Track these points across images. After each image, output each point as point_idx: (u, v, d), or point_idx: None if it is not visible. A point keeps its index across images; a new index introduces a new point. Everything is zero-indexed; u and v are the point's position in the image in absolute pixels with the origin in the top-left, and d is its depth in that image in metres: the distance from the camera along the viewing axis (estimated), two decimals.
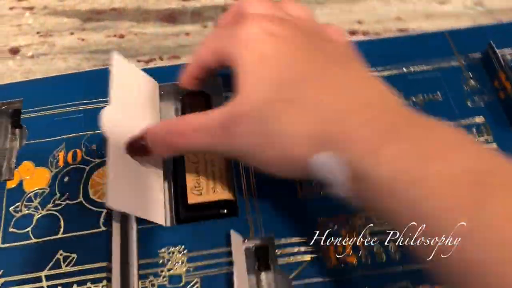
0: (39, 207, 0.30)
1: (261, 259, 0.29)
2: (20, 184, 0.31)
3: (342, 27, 0.43)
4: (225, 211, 0.30)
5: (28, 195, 0.31)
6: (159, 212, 0.30)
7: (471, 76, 0.35)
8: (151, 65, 0.41)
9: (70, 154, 0.32)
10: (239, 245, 0.29)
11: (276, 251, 0.29)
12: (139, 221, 0.29)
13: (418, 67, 0.35)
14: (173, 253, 0.29)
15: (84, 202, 0.30)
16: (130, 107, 0.31)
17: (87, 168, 0.31)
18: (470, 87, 0.34)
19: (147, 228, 0.29)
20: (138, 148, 0.29)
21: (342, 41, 0.27)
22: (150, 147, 0.28)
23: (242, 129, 0.25)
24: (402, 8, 0.44)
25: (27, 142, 0.33)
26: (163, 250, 0.29)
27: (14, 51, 0.43)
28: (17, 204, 0.30)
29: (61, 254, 0.29)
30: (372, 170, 0.21)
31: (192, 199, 0.31)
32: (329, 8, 0.45)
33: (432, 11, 0.44)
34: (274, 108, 0.24)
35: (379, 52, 0.36)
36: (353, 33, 0.43)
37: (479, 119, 0.33)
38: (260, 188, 0.31)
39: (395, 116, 0.22)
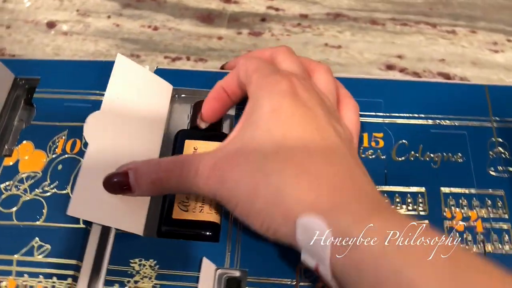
0: (27, 190, 0.30)
1: None
2: (16, 163, 0.31)
3: (380, 59, 0.41)
4: (208, 233, 0.29)
5: (21, 176, 0.31)
6: (137, 221, 0.29)
7: (501, 142, 0.32)
8: (177, 63, 0.41)
9: (69, 143, 0.32)
10: (209, 274, 0.28)
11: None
12: None
13: (445, 121, 0.32)
14: (144, 265, 0.28)
15: (70, 194, 0.30)
16: (125, 113, 0.30)
17: (82, 161, 0.31)
18: (497, 154, 0.31)
19: (125, 235, 0.29)
20: (119, 185, 0.28)
21: (352, 128, 0.29)
22: (132, 186, 0.28)
23: (235, 173, 0.25)
24: (449, 50, 0.41)
25: (32, 122, 0.33)
26: (135, 260, 0.28)
27: (51, 25, 0.43)
28: (9, 182, 0.31)
29: (36, 242, 0.29)
30: (357, 236, 0.21)
31: (177, 214, 0.30)
32: (371, 36, 0.42)
33: (481, 59, 0.41)
34: (274, 160, 0.24)
35: (410, 95, 0.33)
36: (389, 67, 0.40)
37: (498, 192, 0.30)
38: None
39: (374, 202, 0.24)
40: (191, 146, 0.32)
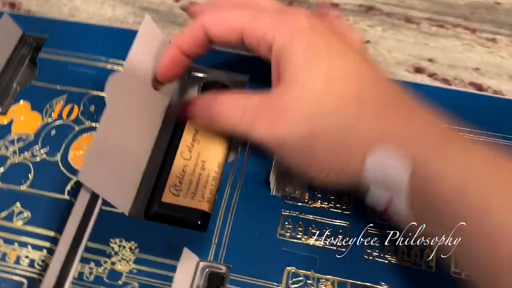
0: (17, 152, 0.29)
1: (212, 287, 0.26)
2: (10, 123, 0.30)
3: (409, 60, 0.38)
4: (197, 221, 0.28)
5: (13, 137, 0.30)
6: (126, 199, 0.27)
7: None
8: None
9: (67, 108, 0.30)
10: (189, 265, 0.26)
11: (229, 286, 0.26)
12: (104, 201, 0.27)
13: (470, 135, 0.30)
14: (124, 247, 0.26)
15: (59, 162, 0.29)
16: (144, 78, 0.28)
17: (77, 128, 0.30)
18: None
19: (110, 212, 0.27)
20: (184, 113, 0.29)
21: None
22: (189, 115, 0.28)
23: (288, 119, 0.23)
24: (486, 59, 0.38)
25: (33, 82, 0.31)
26: (116, 240, 0.27)
27: None
28: None
29: (17, 207, 0.27)
30: (442, 169, 0.20)
31: (168, 197, 0.28)
32: (404, 34, 0.39)
33: None
34: (329, 97, 0.23)
35: (435, 103, 0.31)
36: (418, 70, 0.37)
37: None
38: (240, 211, 0.27)
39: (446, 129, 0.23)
40: (192, 127, 0.30)
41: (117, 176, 0.27)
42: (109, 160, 0.26)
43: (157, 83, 0.29)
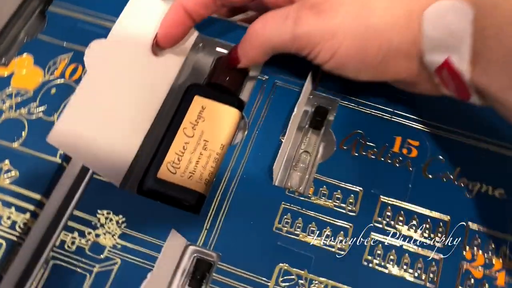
0: (13, 107, 0.28)
1: (196, 274, 0.24)
2: (10, 76, 0.29)
3: None
4: (191, 202, 0.26)
5: (11, 90, 0.28)
6: (115, 169, 0.26)
7: None
8: None
9: (71, 68, 0.29)
10: (175, 248, 0.24)
11: (216, 275, 0.24)
12: None
13: (497, 148, 0.27)
14: (110, 220, 0.25)
15: (55, 122, 0.27)
16: (134, 48, 0.26)
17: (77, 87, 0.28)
18: None
19: (102, 182, 0.26)
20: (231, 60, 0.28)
21: None
22: (239, 53, 0.27)
23: (334, 10, 0.23)
24: None
25: (39, 35, 0.30)
26: (103, 212, 0.25)
27: None
28: None
29: (6, 165, 0.26)
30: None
31: (164, 174, 0.26)
32: None
33: None
34: None
35: (464, 108, 0.28)
36: None
37: None
38: (237, 197, 0.26)
39: None
40: (199, 104, 0.28)
41: (104, 144, 0.25)
42: (92, 126, 0.24)
43: (159, 49, 0.27)
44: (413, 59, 0.24)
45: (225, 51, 0.31)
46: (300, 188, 0.27)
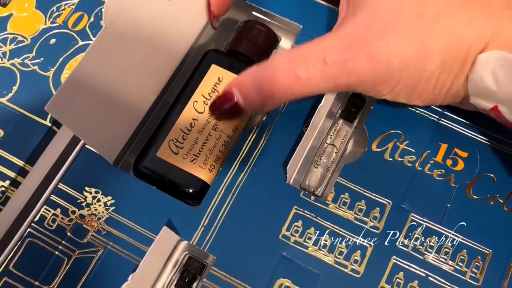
0: (6, 54, 0.24)
1: (186, 274, 0.21)
2: (8, 18, 0.25)
3: None
4: (191, 191, 0.23)
5: (6, 35, 0.25)
6: (110, 144, 0.22)
7: None
8: None
9: (75, 16, 0.25)
10: (166, 245, 0.21)
11: (206, 280, 0.21)
12: None
13: None
14: (98, 200, 0.22)
15: (50, 79, 0.24)
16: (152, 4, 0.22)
17: (80, 43, 0.25)
18: None
19: (95, 155, 0.23)
20: (225, 107, 0.22)
21: None
22: (240, 102, 0.22)
23: (393, 38, 0.20)
24: None
25: None
26: (92, 190, 0.22)
27: None
28: None
29: None
30: None
31: (164, 153, 0.23)
32: None
33: None
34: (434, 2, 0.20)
35: None
36: None
37: None
38: (244, 193, 0.22)
39: None
40: (215, 74, 0.24)
41: (101, 116, 0.21)
42: (91, 96, 0.20)
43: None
44: (461, 98, 0.22)
45: (262, 17, 0.26)
46: (319, 189, 0.23)
